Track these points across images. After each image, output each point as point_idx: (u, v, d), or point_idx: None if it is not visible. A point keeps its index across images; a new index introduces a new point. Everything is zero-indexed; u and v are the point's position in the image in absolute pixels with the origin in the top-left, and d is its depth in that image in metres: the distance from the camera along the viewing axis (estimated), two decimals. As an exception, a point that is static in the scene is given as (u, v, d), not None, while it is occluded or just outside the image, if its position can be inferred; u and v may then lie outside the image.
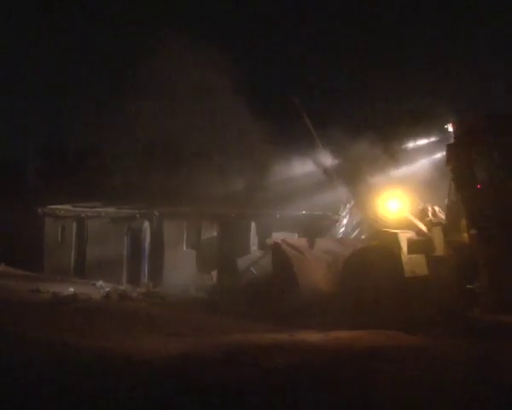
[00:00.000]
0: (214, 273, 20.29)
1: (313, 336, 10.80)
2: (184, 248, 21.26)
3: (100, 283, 19.89)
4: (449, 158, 11.83)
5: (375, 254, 12.53)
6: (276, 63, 39.70)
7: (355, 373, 7.93)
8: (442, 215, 12.72)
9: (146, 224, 22.05)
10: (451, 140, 12.12)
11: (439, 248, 12.12)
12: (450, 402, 6.82)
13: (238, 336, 10.90)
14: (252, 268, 18.63)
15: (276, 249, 16.50)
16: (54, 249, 23.37)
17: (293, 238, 17.17)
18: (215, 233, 20.96)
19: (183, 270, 20.12)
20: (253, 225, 20.50)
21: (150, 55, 23.81)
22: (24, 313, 13.38)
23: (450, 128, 12.19)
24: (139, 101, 24.82)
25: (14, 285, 18.47)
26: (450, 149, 11.84)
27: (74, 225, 23.40)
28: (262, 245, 19.45)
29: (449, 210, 12.32)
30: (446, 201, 12.39)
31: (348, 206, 18.69)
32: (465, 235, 11.70)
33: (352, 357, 8.99)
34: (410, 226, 12.61)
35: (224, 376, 7.76)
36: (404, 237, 12.27)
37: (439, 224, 12.42)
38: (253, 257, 19.43)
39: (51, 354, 8.76)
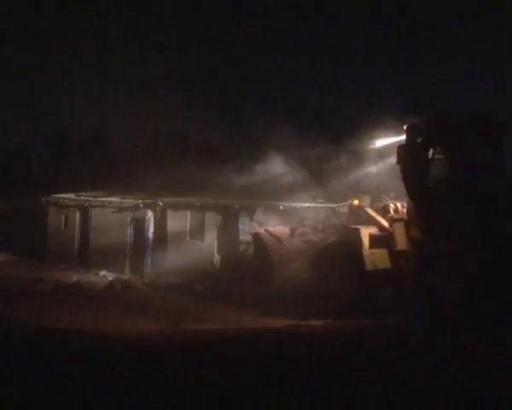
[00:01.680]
0: (217, 263, 20.30)
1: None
2: (188, 238, 21.25)
3: (103, 272, 19.96)
4: (398, 158, 12.07)
5: (341, 248, 13.27)
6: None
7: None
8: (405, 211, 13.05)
9: (149, 214, 22.03)
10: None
11: (401, 242, 12.51)
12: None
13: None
14: (250, 251, 18.70)
15: (256, 238, 16.85)
16: (57, 238, 23.40)
17: (276, 227, 17.24)
18: (218, 224, 20.96)
19: (186, 260, 20.10)
20: (256, 216, 20.48)
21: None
22: (27, 301, 13.45)
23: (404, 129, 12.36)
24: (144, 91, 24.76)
25: (17, 274, 18.54)
26: (401, 150, 12.06)
27: (78, 214, 23.42)
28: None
29: (408, 206, 12.66)
30: (406, 198, 12.70)
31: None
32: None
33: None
34: (371, 222, 13.23)
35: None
36: (366, 232, 12.91)
37: (401, 219, 12.77)
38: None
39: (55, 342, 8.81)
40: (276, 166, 21.59)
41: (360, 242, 12.85)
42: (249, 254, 18.64)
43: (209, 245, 20.70)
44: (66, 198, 23.81)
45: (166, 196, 22.02)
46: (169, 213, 21.80)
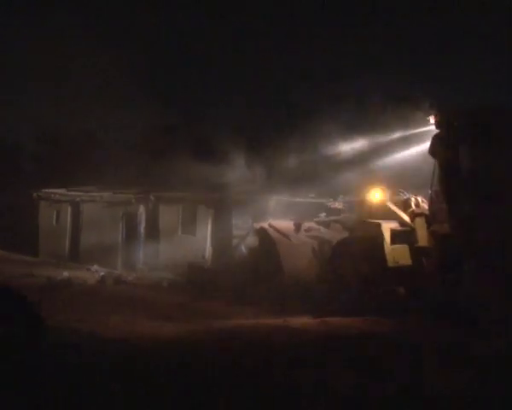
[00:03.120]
0: (209, 257, 20.25)
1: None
2: (180, 232, 21.20)
3: (95, 267, 19.87)
4: (432, 149, 11.88)
5: (359, 244, 12.77)
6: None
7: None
8: (425, 205, 12.79)
9: (141, 208, 21.96)
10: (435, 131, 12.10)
11: (423, 238, 12.26)
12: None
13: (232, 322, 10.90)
14: (242, 246, 18.61)
15: (262, 233, 16.56)
16: (49, 234, 23.31)
17: (280, 222, 17.02)
18: (210, 218, 20.90)
19: (178, 254, 20.04)
20: (248, 210, 20.41)
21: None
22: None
23: (431, 120, 12.20)
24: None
25: (8, 269, 18.42)
26: (436, 139, 11.85)
27: (69, 209, 23.32)
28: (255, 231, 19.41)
29: (431, 200, 12.41)
30: (429, 191, 12.44)
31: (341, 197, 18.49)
32: (445, 225, 11.77)
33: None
34: (393, 217, 12.81)
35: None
36: (388, 227, 12.47)
37: (422, 214, 12.52)
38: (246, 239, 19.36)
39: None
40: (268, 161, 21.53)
41: (381, 237, 12.34)
42: (242, 249, 18.63)
43: (201, 239, 20.65)
44: (58, 193, 23.69)
45: (158, 190, 21.95)
46: (161, 207, 21.73)
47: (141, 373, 7.02)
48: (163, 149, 23.51)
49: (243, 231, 19.65)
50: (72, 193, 23.52)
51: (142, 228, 21.88)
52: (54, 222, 23.49)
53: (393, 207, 12.95)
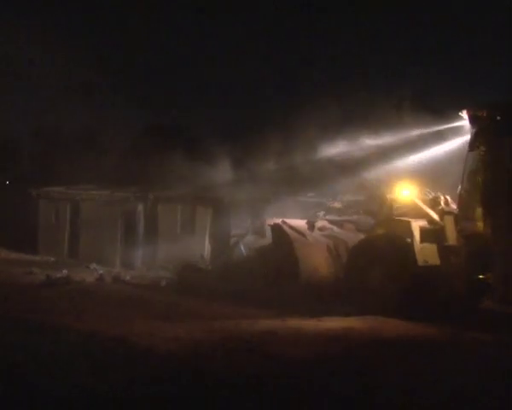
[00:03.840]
0: (207, 256, 20.28)
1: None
2: (178, 231, 21.23)
3: (93, 265, 19.89)
4: (473, 143, 11.66)
5: (386, 242, 12.30)
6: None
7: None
8: (453, 205, 12.47)
9: (140, 207, 22.00)
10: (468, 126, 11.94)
11: (452, 237, 11.96)
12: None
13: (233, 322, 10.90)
14: (241, 246, 18.50)
15: (277, 230, 15.85)
16: (48, 232, 23.35)
17: (293, 220, 16.33)
18: (209, 217, 20.93)
19: (176, 253, 20.08)
20: (247, 209, 20.43)
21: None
22: (17, 295, 13.40)
23: (464, 115, 11.99)
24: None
25: (7, 267, 18.48)
26: (478, 135, 11.60)
27: (68, 207, 23.35)
28: (255, 230, 19.38)
29: (461, 199, 12.04)
30: (458, 189, 12.11)
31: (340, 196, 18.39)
32: (479, 224, 11.60)
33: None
34: (420, 215, 12.41)
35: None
36: (417, 225, 12.07)
37: (451, 212, 12.21)
38: (246, 238, 19.29)
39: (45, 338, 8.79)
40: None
41: (411, 235, 11.95)
42: (241, 248, 18.59)
43: (200, 238, 20.68)
44: (57, 191, 23.72)
45: (157, 189, 21.98)
46: (160, 206, 21.78)
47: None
48: (160, 148, 23.53)
49: (242, 231, 19.68)
50: (72, 191, 23.55)
51: (140, 227, 21.91)
52: (53, 220, 23.52)
53: (422, 205, 12.55)
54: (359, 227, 16.08)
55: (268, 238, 17.16)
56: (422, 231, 12.03)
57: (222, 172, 21.12)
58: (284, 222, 15.84)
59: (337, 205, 17.66)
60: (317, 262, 14.80)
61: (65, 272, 17.68)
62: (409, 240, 11.93)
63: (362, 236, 15.17)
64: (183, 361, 7.81)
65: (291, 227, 15.53)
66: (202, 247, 20.47)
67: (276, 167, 21.54)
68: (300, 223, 16.04)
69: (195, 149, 23.21)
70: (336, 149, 19.46)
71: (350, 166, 18.88)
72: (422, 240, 11.93)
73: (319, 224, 16.08)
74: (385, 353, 8.69)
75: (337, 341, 9.41)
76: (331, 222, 16.45)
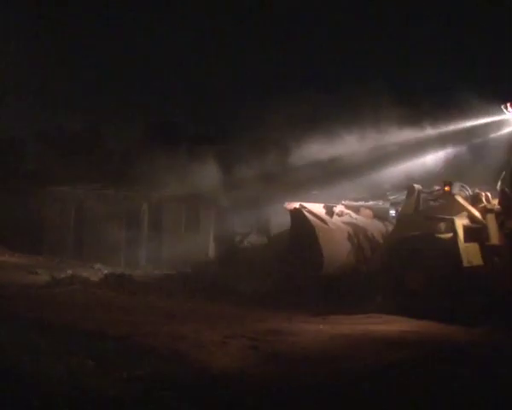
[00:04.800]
0: (211, 256, 20.24)
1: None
2: (183, 230, 21.21)
3: (98, 265, 19.86)
4: None
5: (427, 242, 11.71)
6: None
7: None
8: (494, 201, 11.99)
9: (145, 206, 21.98)
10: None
11: (495, 236, 11.43)
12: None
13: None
14: (245, 244, 18.33)
15: (297, 216, 14.47)
16: (52, 232, 23.31)
17: (310, 204, 14.95)
18: (213, 216, 20.91)
19: (181, 252, 20.05)
20: (251, 209, 20.39)
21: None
22: (21, 295, 13.38)
23: (509, 109, 11.72)
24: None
25: (12, 268, 18.49)
26: None
27: (73, 207, 23.33)
28: (260, 231, 19.32)
29: (503, 195, 11.61)
30: (499, 185, 11.76)
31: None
32: None
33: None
34: (461, 213, 11.86)
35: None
36: (461, 223, 11.45)
37: (493, 210, 11.68)
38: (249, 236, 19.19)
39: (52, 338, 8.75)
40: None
41: (455, 234, 11.28)
42: (245, 246, 18.53)
43: (204, 237, 20.66)
44: (61, 191, 23.70)
45: (161, 188, 21.93)
46: (164, 205, 21.75)
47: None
48: (164, 147, 23.47)
49: (246, 230, 19.66)
50: (76, 191, 23.53)
51: (145, 226, 21.88)
52: (57, 220, 23.49)
53: (463, 202, 11.98)
54: (376, 213, 15.38)
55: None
56: (465, 229, 11.43)
57: (226, 171, 21.06)
58: (303, 206, 14.56)
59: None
60: (340, 251, 13.84)
61: (69, 272, 17.66)
62: (453, 239, 11.29)
63: (379, 223, 14.90)
64: (186, 359, 7.76)
65: (311, 212, 14.35)
66: (207, 245, 20.45)
67: (281, 167, 21.44)
68: (319, 208, 14.84)
69: (199, 148, 23.11)
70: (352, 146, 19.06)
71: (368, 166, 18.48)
72: (466, 239, 11.33)
73: (337, 209, 14.96)
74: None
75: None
76: (348, 207, 15.41)
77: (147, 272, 19.61)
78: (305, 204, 14.68)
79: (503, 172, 11.79)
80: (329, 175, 18.74)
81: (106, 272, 18.52)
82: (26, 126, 28.43)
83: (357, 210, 15.37)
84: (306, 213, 14.25)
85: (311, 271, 13.65)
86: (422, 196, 12.86)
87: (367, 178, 18.20)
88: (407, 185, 13.46)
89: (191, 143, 24.14)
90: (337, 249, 13.86)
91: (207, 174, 20.86)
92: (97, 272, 18.83)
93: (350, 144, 18.43)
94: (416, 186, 12.93)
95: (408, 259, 11.85)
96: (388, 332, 9.90)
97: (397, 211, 14.45)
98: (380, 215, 15.26)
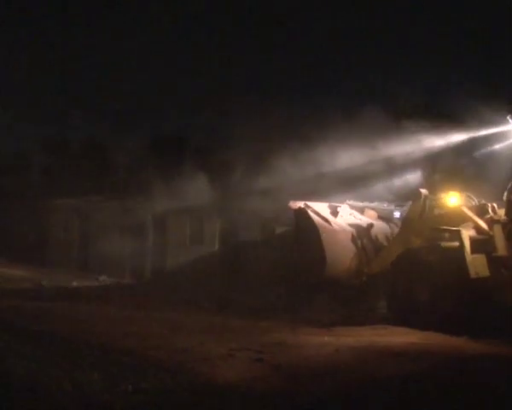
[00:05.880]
0: (217, 267, 20.20)
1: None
2: (187, 241, 21.19)
3: (103, 277, 19.89)
4: None
5: (433, 254, 11.67)
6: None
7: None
8: (501, 212, 11.90)
9: (149, 218, 21.98)
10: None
11: (502, 247, 11.36)
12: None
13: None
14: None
15: (301, 215, 14.25)
16: (57, 243, 23.36)
17: (315, 203, 14.73)
18: (217, 227, 20.88)
19: (186, 264, 20.04)
20: (256, 220, 20.35)
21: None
22: (27, 307, 13.38)
23: None
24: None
25: (17, 280, 18.52)
26: None
27: (78, 219, 23.38)
28: (266, 240, 19.28)
29: (510, 206, 11.52)
30: (505, 196, 11.67)
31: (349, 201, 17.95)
32: None
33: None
34: (467, 224, 11.78)
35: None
36: (467, 234, 11.40)
37: (499, 221, 11.61)
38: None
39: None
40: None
41: (462, 245, 11.20)
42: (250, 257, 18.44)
43: (209, 248, 20.63)
44: (66, 203, 23.75)
45: (166, 199, 21.93)
46: (169, 216, 21.74)
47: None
48: (167, 159, 23.53)
49: (251, 239, 19.60)
50: (81, 203, 23.57)
51: (149, 238, 21.87)
52: (62, 232, 23.53)
53: (469, 213, 11.91)
54: (380, 214, 15.25)
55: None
56: (472, 240, 11.36)
57: (229, 182, 21.06)
58: (308, 206, 14.35)
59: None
60: (343, 253, 13.64)
61: (74, 283, 17.70)
62: (460, 250, 11.22)
63: (383, 223, 14.74)
64: (191, 372, 7.73)
65: (315, 212, 14.14)
66: (212, 256, 20.41)
67: (284, 176, 21.40)
68: (323, 207, 14.65)
69: (202, 160, 23.14)
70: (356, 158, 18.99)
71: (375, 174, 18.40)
72: (472, 251, 11.25)
73: (341, 209, 14.79)
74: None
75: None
76: (352, 207, 15.26)
77: (151, 285, 19.59)
78: (310, 203, 14.51)
79: (510, 183, 11.71)
80: (337, 184, 18.70)
81: (110, 283, 18.55)
82: (32, 140, 28.56)
83: (361, 210, 15.27)
84: (311, 213, 14.09)
85: (313, 273, 13.53)
86: (428, 202, 12.79)
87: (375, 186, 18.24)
88: (414, 190, 13.44)
89: (194, 155, 24.17)
90: (340, 251, 13.70)
91: (210, 185, 20.88)
92: (102, 283, 18.86)
93: (356, 153, 18.48)
94: (423, 191, 12.88)
95: (414, 271, 11.81)
96: (394, 344, 9.85)
97: (401, 214, 14.45)
98: (384, 216, 15.17)
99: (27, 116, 28.27)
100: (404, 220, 13.58)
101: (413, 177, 18.03)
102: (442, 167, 17.71)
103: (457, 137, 16.57)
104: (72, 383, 6.99)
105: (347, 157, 18.50)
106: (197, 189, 21.09)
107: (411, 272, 11.86)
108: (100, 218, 22.78)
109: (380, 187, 18.14)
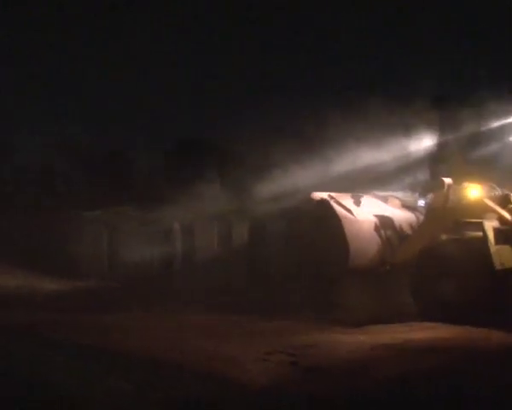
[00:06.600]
0: (245, 273, 20.02)
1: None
2: (216, 247, 21.05)
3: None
4: None
5: (457, 247, 11.64)
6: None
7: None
8: None
9: (176, 225, 21.90)
10: None
11: None
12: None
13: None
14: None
15: (323, 207, 14.01)
16: (86, 255, 23.39)
17: (339, 194, 14.43)
18: (246, 231, 20.70)
19: (215, 271, 19.91)
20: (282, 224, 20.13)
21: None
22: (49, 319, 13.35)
23: None
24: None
25: (47, 291, 18.60)
26: None
27: (106, 230, 23.40)
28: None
29: None
30: None
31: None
32: None
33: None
34: (490, 215, 11.76)
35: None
36: (490, 226, 11.40)
37: None
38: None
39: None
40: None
41: (485, 236, 11.23)
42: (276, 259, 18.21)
43: (238, 255, 20.47)
44: (93, 214, 23.80)
45: (193, 206, 21.83)
46: (196, 224, 21.64)
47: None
48: (192, 163, 23.47)
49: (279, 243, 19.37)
50: (107, 213, 23.60)
51: (178, 245, 21.79)
52: (91, 243, 23.57)
53: (492, 204, 11.87)
54: (404, 203, 14.88)
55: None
56: (496, 231, 11.35)
57: (257, 184, 20.87)
58: (331, 197, 14.03)
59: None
60: (367, 244, 13.37)
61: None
62: (484, 242, 11.21)
63: (408, 212, 14.43)
64: (223, 378, 7.51)
65: (338, 203, 13.82)
66: (241, 262, 20.25)
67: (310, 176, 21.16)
68: (346, 197, 14.27)
69: (228, 163, 23.02)
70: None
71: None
72: (496, 241, 11.25)
73: (365, 199, 14.41)
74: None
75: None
76: (376, 197, 14.93)
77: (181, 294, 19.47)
78: (334, 194, 14.23)
79: None
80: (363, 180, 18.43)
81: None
82: (54, 150, 28.70)
83: (385, 199, 14.92)
84: (333, 204, 13.82)
85: (336, 264, 13.29)
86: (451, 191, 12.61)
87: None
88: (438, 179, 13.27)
89: (219, 158, 24.06)
90: (364, 242, 13.42)
91: (237, 189, 20.74)
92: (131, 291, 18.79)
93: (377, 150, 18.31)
94: (447, 180, 12.66)
95: (438, 265, 11.80)
96: (430, 340, 9.71)
97: (426, 202, 14.16)
98: (409, 205, 14.79)
99: (50, 128, 28.48)
100: (428, 210, 13.45)
101: (438, 169, 17.73)
102: (469, 157, 17.36)
103: (488, 124, 16.33)
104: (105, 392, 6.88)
105: (372, 154, 18.29)
106: (224, 193, 21.01)
107: (436, 266, 11.85)
108: (127, 227, 22.76)
109: (404, 180, 17.89)
